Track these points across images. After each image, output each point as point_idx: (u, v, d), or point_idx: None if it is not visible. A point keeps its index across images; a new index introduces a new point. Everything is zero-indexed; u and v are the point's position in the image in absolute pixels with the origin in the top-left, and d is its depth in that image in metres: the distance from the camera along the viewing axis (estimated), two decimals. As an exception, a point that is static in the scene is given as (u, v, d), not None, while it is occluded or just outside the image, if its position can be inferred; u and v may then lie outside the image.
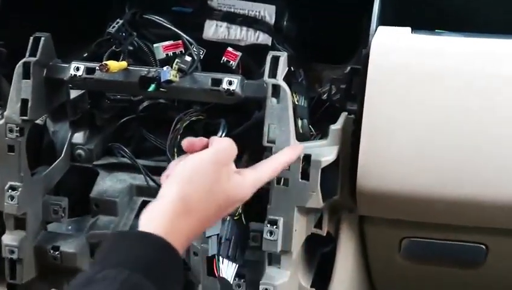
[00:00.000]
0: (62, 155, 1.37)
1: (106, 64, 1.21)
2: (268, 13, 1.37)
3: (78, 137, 1.40)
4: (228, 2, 1.38)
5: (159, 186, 1.33)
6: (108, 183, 1.38)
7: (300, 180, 1.19)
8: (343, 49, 1.35)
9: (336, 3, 1.37)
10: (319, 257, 1.34)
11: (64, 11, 1.43)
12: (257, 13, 1.37)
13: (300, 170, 1.19)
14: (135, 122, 1.42)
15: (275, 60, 1.21)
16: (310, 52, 1.39)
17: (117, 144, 1.40)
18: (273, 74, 1.21)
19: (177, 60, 1.22)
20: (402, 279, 1.40)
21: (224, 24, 1.38)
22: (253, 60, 1.35)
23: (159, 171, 1.35)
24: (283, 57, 1.21)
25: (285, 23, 1.38)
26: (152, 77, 1.23)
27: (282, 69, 1.21)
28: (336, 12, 1.37)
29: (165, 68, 1.21)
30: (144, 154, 1.40)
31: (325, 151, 1.20)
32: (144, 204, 1.36)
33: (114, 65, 1.22)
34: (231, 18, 1.38)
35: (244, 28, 1.38)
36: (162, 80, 1.21)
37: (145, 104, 1.40)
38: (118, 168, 1.40)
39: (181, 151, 1.35)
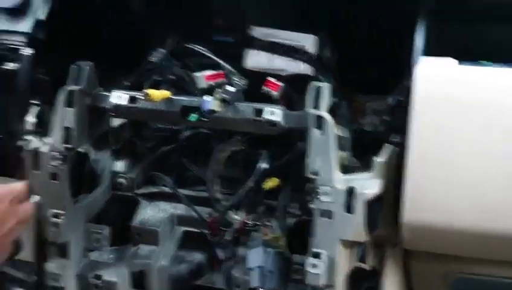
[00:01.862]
0: (104, 184, 1.37)
1: (149, 94, 1.21)
2: (310, 43, 1.36)
3: (120, 166, 1.40)
4: (269, 32, 1.37)
5: (200, 216, 1.34)
6: (150, 213, 1.38)
7: (344, 213, 1.17)
8: (386, 80, 1.33)
9: (379, 34, 1.35)
10: (362, 291, 1.31)
11: (104, 41, 1.43)
12: (298, 43, 1.36)
13: (345, 203, 1.16)
14: (176, 151, 1.41)
15: (318, 91, 1.20)
16: (353, 83, 1.37)
17: (158, 173, 1.39)
18: (316, 104, 1.20)
19: (219, 90, 1.21)
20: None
21: (265, 54, 1.37)
22: (294, 90, 1.34)
23: (200, 201, 1.37)
24: (326, 87, 1.20)
25: (326, 53, 1.36)
26: (194, 107, 1.23)
27: (326, 100, 1.19)
28: (379, 43, 1.35)
29: (207, 98, 1.21)
30: (184, 183, 1.40)
31: (370, 184, 1.18)
32: (186, 234, 1.37)
33: (156, 94, 1.23)
34: (272, 48, 1.37)
35: (285, 58, 1.36)
36: (204, 110, 1.21)
37: (187, 133, 1.39)
38: (158, 198, 1.40)
39: (224, 182, 1.35)
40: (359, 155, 1.28)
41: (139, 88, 1.31)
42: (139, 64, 1.38)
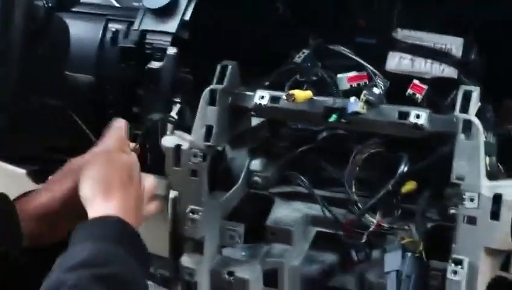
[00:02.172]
0: (240, 181, 1.39)
1: (293, 94, 1.22)
2: (455, 46, 1.33)
3: (255, 164, 1.41)
4: (413, 34, 1.36)
5: (335, 216, 1.33)
6: (284, 212, 1.38)
7: (489, 220, 1.14)
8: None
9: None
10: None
11: (246, 40, 1.45)
12: (443, 46, 1.34)
13: (491, 210, 1.13)
14: (312, 152, 1.41)
15: (467, 95, 1.17)
16: (500, 87, 1.34)
17: (294, 172, 1.39)
18: (464, 108, 1.17)
19: (364, 91, 1.21)
20: None
21: (409, 56, 1.35)
22: (437, 93, 1.31)
23: (334, 202, 1.36)
24: (476, 92, 1.17)
25: (473, 56, 1.33)
26: (338, 108, 1.22)
27: (475, 104, 1.17)
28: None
29: (352, 99, 1.20)
30: (319, 184, 1.39)
31: (517, 191, 1.14)
32: (319, 234, 1.37)
33: (300, 95, 1.23)
34: (416, 50, 1.35)
35: (429, 61, 1.34)
36: (349, 111, 1.20)
37: (324, 134, 1.39)
38: (293, 197, 1.40)
39: (360, 184, 1.34)
40: (504, 161, 1.24)
41: (277, 88, 1.33)
42: (277, 65, 1.39)
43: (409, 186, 1.30)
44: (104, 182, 1.07)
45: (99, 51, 1.41)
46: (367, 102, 1.20)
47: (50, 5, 1.17)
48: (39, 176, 1.53)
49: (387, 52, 1.37)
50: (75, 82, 1.38)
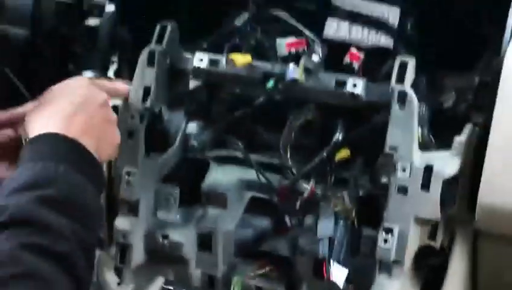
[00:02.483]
0: (176, 144, 1.38)
1: (232, 59, 1.21)
2: (392, 16, 1.35)
3: (192, 127, 1.41)
4: (352, 2, 1.37)
5: (270, 182, 1.34)
6: (219, 176, 1.38)
7: (420, 190, 1.17)
8: (466, 55, 1.31)
9: (464, 9, 1.33)
10: (427, 270, 1.31)
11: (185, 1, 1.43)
12: (381, 15, 1.35)
13: (422, 181, 1.16)
14: (249, 116, 1.41)
15: (403, 66, 1.18)
16: (432, 58, 1.36)
17: (230, 136, 1.39)
18: (399, 79, 1.19)
19: (303, 58, 1.21)
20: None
21: (346, 23, 1.36)
22: (373, 62, 1.33)
23: (270, 167, 1.37)
24: (412, 62, 1.19)
25: (409, 27, 1.35)
26: (276, 74, 1.23)
27: (410, 75, 1.19)
28: (462, 17, 1.33)
29: (291, 66, 1.21)
30: (255, 149, 1.40)
31: (448, 163, 1.18)
32: (253, 200, 1.38)
33: (239, 60, 1.23)
34: (354, 18, 1.36)
35: (366, 29, 1.36)
36: (287, 78, 1.20)
37: (261, 99, 1.39)
38: (229, 161, 1.40)
39: (295, 150, 1.36)
40: (435, 133, 1.27)
41: (216, 51, 1.32)
42: (215, 27, 1.38)
43: (343, 153, 1.32)
44: (52, 101, 1.01)
45: (35, 5, 1.37)
46: (306, 69, 1.20)
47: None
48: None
49: (325, 19, 1.37)
50: (9, 35, 1.34)
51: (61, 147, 0.94)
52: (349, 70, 1.27)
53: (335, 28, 1.36)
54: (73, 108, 1.00)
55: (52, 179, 0.89)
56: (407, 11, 1.34)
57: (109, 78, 1.33)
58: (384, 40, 1.34)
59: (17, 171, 0.91)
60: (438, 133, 1.27)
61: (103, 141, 1.05)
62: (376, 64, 1.33)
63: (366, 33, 1.35)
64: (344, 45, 1.34)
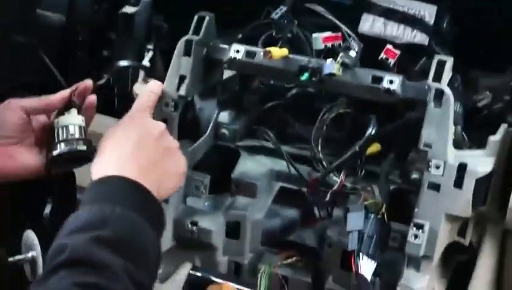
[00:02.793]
0: (207, 132, 1.39)
1: (270, 51, 1.22)
2: (428, 13, 1.35)
3: (224, 116, 1.42)
4: (388, -2, 1.37)
5: (299, 173, 1.36)
6: (250, 166, 1.40)
7: (453, 188, 1.18)
8: (502, 56, 1.32)
9: (501, 9, 1.34)
10: (454, 266, 1.33)
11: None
12: (417, 12, 1.36)
13: (455, 178, 1.17)
14: (281, 108, 1.42)
15: (441, 64, 1.19)
16: (467, 57, 1.36)
17: (262, 127, 1.40)
18: (436, 77, 1.20)
19: (341, 54, 1.22)
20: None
21: (382, 19, 1.37)
22: (407, 59, 1.33)
23: (300, 158, 1.39)
24: (449, 62, 1.20)
25: (445, 25, 1.35)
26: (313, 68, 1.23)
27: (447, 74, 1.19)
28: (500, 18, 1.33)
29: (329, 61, 1.21)
30: (286, 140, 1.41)
31: (482, 162, 1.19)
32: (282, 190, 1.39)
33: (277, 52, 1.23)
34: (389, 14, 1.36)
35: (402, 26, 1.36)
36: (324, 73, 1.21)
37: (294, 91, 1.40)
38: (259, 152, 1.41)
39: (325, 142, 1.37)
40: (468, 131, 1.28)
41: (254, 42, 1.33)
42: (249, 18, 1.39)
43: (374, 148, 1.33)
44: (115, 140, 1.06)
45: None
46: (343, 64, 1.21)
47: None
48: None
49: (360, 14, 1.38)
50: (46, 21, 1.35)
51: (120, 188, 0.97)
52: (384, 66, 1.28)
53: (370, 24, 1.37)
54: (131, 148, 1.04)
55: (108, 219, 0.91)
56: (444, 9, 1.34)
57: (144, 67, 1.34)
58: (419, 37, 1.35)
59: (76, 214, 0.93)
60: (471, 132, 1.28)
61: (166, 175, 1.08)
62: (410, 61, 1.33)
63: (402, 29, 1.36)
64: (378, 40, 1.34)
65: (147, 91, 1.19)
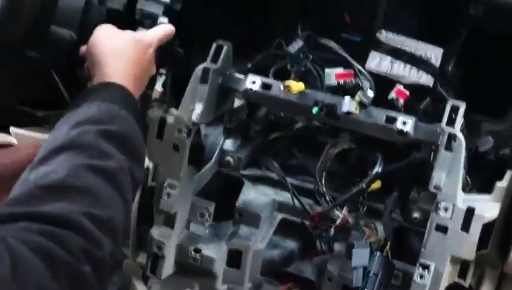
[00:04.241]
0: (213, 159, 1.40)
1: (288, 85, 1.24)
2: (434, 55, 1.38)
3: (229, 144, 1.43)
4: (396, 38, 1.40)
5: (303, 206, 1.37)
6: (253, 195, 1.41)
7: (460, 231, 1.21)
8: (504, 101, 1.36)
9: (504, 56, 1.38)
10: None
11: (236, 21, 1.44)
12: (423, 53, 1.39)
13: (463, 222, 1.20)
14: (286, 139, 1.43)
15: (455, 110, 1.23)
16: (470, 100, 1.40)
17: (267, 157, 1.41)
18: (450, 122, 1.23)
19: (359, 93, 1.24)
20: None
21: (389, 58, 1.39)
22: (412, 98, 1.36)
23: (302, 191, 1.40)
24: (463, 107, 1.23)
25: (450, 68, 1.39)
26: (329, 105, 1.25)
27: (460, 119, 1.22)
28: (505, 64, 1.37)
29: (347, 98, 1.23)
30: (289, 172, 1.42)
31: (488, 207, 1.22)
32: (284, 221, 1.41)
33: (295, 87, 1.25)
34: (397, 54, 1.39)
35: (408, 66, 1.39)
36: (342, 110, 1.23)
37: (300, 124, 1.41)
38: (262, 181, 1.42)
39: (330, 176, 1.39)
40: (470, 174, 1.31)
41: (263, 72, 1.34)
42: (257, 49, 1.40)
43: (375, 185, 1.35)
44: (121, 54, 1.12)
45: (85, 9, 1.37)
46: (360, 103, 1.23)
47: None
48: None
49: (368, 52, 1.40)
50: (56, 37, 1.34)
51: (121, 95, 1.05)
52: (393, 105, 1.30)
53: (377, 62, 1.39)
54: (131, 64, 1.11)
55: (116, 118, 0.99)
56: (450, 53, 1.38)
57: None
58: (425, 79, 1.37)
59: (79, 108, 0.99)
60: (473, 175, 1.31)
61: (145, 81, 1.17)
62: (415, 101, 1.36)
63: (408, 69, 1.38)
64: (381, 77, 1.37)
65: (161, 26, 1.24)
